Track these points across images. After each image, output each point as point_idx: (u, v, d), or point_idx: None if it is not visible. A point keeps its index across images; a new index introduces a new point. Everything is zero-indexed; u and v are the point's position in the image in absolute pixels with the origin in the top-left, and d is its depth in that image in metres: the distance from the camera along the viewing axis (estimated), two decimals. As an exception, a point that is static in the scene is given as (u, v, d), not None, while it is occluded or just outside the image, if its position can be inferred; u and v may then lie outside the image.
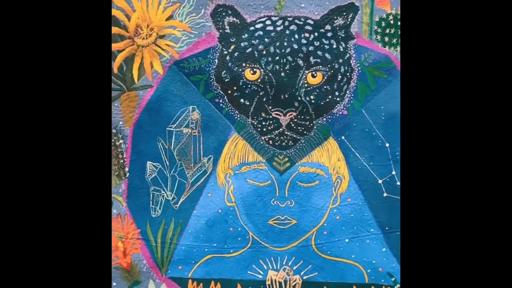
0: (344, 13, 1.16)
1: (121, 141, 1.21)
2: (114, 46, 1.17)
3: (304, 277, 1.23)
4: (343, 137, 1.20)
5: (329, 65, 1.16)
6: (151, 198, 1.24)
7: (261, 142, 1.21)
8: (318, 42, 1.15)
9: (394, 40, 1.16)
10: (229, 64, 1.18)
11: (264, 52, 1.16)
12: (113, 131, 1.20)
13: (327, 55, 1.16)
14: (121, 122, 1.21)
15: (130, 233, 1.24)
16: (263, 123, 1.19)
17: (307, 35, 1.15)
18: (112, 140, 1.21)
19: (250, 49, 1.16)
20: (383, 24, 1.16)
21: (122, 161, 1.22)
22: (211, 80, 1.19)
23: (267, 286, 1.23)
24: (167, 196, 1.24)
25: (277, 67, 1.16)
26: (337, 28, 1.16)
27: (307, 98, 1.18)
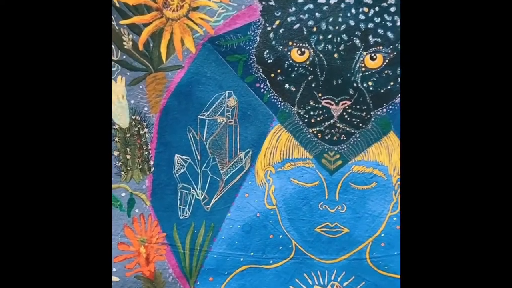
0: (412, -16, 1.11)
1: (145, 130, 1.19)
2: (140, 19, 1.14)
3: None
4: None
5: (391, 46, 1.11)
6: (179, 197, 1.21)
7: (308, 136, 1.17)
8: (379, 18, 1.10)
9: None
10: (273, 42, 1.14)
11: (315, 29, 1.11)
12: (137, 117, 1.18)
13: (389, 34, 1.10)
14: (146, 108, 1.18)
15: (154, 237, 1.22)
16: (311, 113, 1.15)
17: (366, 9, 1.10)
18: (136, 129, 1.19)
19: (298, 25, 1.12)
20: None
21: (146, 153, 1.20)
22: (251, 61, 1.15)
23: None
24: (198, 196, 1.21)
25: (330, 47, 1.11)
26: (403, 1, 1.13)
27: (364, 85, 1.13)
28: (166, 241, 1.23)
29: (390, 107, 1.14)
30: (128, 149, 1.19)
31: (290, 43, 1.13)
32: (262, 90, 1.17)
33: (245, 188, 1.21)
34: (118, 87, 1.16)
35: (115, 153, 1.20)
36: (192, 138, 1.20)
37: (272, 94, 1.17)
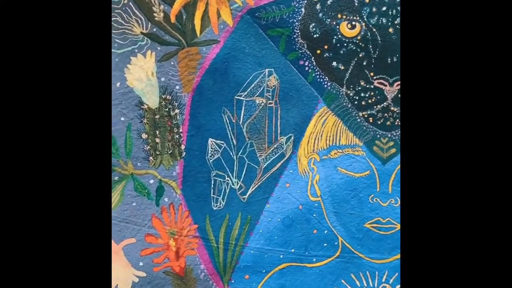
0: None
1: (176, 110, 1.18)
2: (172, -12, 1.17)
3: None
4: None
5: None
6: (212, 186, 1.20)
7: (358, 120, 1.15)
8: (440, -12, 1.09)
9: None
10: (320, 14, 1.13)
11: (367, 0, 1.11)
12: (167, 97, 1.18)
13: None
14: (177, 87, 1.18)
15: (184, 229, 1.22)
16: (362, 95, 1.14)
17: (425, -22, 1.09)
18: (166, 110, 1.18)
19: None
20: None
21: (177, 136, 1.19)
22: (295, 36, 1.14)
23: None
24: (233, 184, 1.21)
25: (384, 21, 1.10)
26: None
27: None
28: (198, 234, 1.23)
29: None
30: (157, 132, 1.19)
31: (339, 16, 1.13)
32: (307, 68, 1.16)
33: (285, 177, 1.20)
34: (148, 63, 1.16)
35: (143, 135, 1.19)
36: (228, 121, 1.19)
37: (318, 73, 1.16)
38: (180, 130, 1.20)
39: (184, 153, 1.21)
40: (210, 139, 1.20)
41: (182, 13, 1.16)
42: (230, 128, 1.19)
